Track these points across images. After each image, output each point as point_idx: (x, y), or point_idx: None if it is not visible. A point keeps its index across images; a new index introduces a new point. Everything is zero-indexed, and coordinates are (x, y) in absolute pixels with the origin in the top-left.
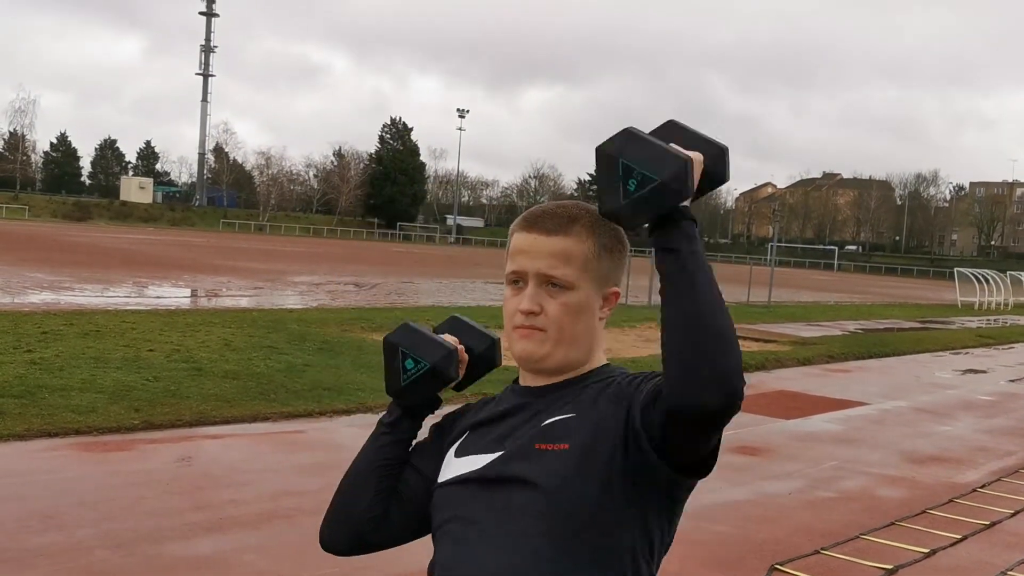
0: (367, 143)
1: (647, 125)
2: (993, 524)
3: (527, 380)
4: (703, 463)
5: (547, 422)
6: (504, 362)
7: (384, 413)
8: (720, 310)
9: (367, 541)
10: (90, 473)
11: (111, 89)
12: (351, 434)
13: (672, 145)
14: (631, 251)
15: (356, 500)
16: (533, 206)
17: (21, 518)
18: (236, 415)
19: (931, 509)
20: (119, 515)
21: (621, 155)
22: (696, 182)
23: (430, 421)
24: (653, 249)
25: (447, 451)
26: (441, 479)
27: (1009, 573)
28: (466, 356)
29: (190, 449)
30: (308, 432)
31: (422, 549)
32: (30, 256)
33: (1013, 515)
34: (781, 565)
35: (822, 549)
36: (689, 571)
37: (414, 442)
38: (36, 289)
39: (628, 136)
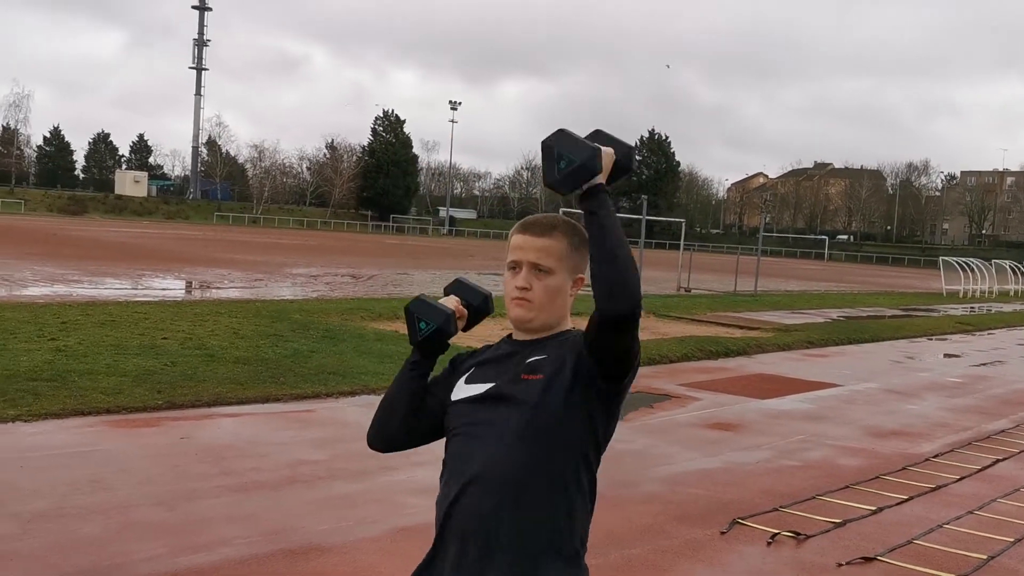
0: (359, 136)
1: (623, 116)
2: (939, 487)
3: (518, 336)
4: (621, 365)
5: (528, 361)
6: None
7: (409, 356)
8: (626, 250)
9: (399, 443)
10: (125, 446)
11: (96, 83)
12: (357, 413)
13: (591, 142)
14: None
15: (392, 416)
16: (528, 214)
17: (71, 482)
18: (250, 396)
19: (885, 475)
20: (157, 479)
21: (555, 145)
22: (608, 168)
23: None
24: (582, 212)
25: (458, 380)
26: (454, 398)
27: (946, 526)
28: (464, 311)
29: (211, 426)
30: (317, 411)
31: (423, 505)
32: (35, 250)
33: (959, 480)
34: (742, 519)
35: (781, 507)
36: (662, 524)
37: (431, 376)
38: (48, 282)
39: (561, 133)
